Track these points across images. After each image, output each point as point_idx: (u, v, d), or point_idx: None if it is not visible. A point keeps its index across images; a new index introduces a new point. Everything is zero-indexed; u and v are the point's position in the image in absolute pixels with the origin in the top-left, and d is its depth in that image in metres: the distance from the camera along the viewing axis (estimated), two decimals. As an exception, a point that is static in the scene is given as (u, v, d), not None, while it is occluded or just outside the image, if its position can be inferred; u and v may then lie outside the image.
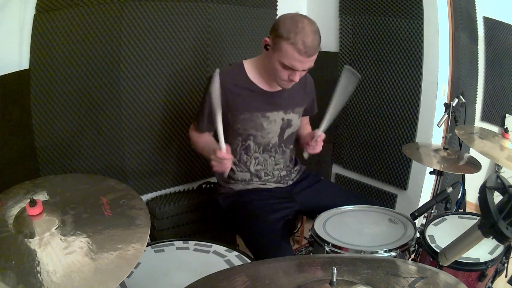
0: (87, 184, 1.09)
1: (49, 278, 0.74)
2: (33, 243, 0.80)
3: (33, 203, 0.83)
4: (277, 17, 1.46)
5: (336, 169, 2.87)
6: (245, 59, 1.63)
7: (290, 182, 1.74)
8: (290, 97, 1.64)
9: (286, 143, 1.70)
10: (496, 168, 2.68)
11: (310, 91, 1.75)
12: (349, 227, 1.46)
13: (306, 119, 1.88)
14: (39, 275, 0.74)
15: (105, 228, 0.87)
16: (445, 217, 1.62)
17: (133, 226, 0.90)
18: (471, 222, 1.50)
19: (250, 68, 1.59)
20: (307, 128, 1.86)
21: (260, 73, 1.58)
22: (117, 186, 1.05)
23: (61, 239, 0.82)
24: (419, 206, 1.55)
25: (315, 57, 1.43)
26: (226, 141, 1.58)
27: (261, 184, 1.68)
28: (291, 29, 1.37)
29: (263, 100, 1.58)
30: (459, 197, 2.12)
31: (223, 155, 1.35)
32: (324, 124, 1.50)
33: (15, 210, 0.88)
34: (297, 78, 1.46)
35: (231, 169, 1.66)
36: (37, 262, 0.77)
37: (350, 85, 1.45)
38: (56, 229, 0.84)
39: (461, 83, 2.57)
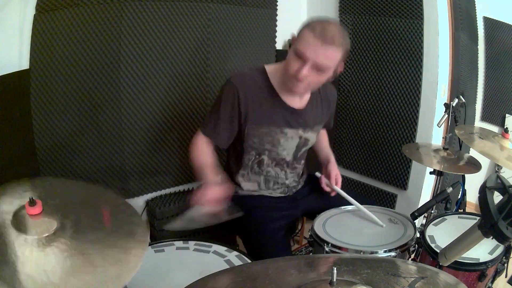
0: (86, 192, 1.08)
1: (48, 278, 0.74)
2: (30, 242, 0.79)
3: (32, 203, 0.82)
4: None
5: (336, 169, 2.87)
6: (266, 63, 1.54)
7: (294, 190, 1.72)
8: (313, 116, 1.57)
9: (299, 159, 1.66)
10: (496, 168, 2.68)
11: (331, 106, 1.70)
12: (349, 227, 1.46)
13: (323, 130, 1.82)
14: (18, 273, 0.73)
15: (104, 239, 0.86)
16: (445, 217, 1.62)
17: (132, 241, 0.88)
18: (471, 222, 1.50)
19: (274, 78, 1.47)
20: (324, 140, 1.83)
21: (283, 82, 1.46)
22: (117, 201, 1.04)
23: (58, 242, 0.81)
24: (419, 206, 1.55)
25: (331, 53, 1.30)
26: (238, 154, 1.55)
27: (267, 193, 1.65)
28: (312, 20, 1.34)
29: (284, 116, 1.49)
30: (459, 197, 2.12)
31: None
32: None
33: (12, 207, 0.86)
34: (304, 71, 1.30)
35: (239, 182, 1.61)
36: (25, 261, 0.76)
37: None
38: (54, 231, 0.83)
39: (461, 83, 2.57)
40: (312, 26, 1.31)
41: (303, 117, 1.54)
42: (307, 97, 1.56)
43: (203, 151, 1.49)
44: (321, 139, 1.81)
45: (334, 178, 1.64)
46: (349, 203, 1.57)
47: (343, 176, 2.78)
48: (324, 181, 1.65)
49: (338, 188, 1.61)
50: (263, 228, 1.50)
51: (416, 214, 1.50)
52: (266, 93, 1.47)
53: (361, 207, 1.53)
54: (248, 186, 1.62)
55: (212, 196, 1.30)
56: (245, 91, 1.42)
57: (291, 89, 1.42)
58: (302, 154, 1.67)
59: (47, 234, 0.82)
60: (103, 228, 0.90)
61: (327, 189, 1.64)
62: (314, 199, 1.70)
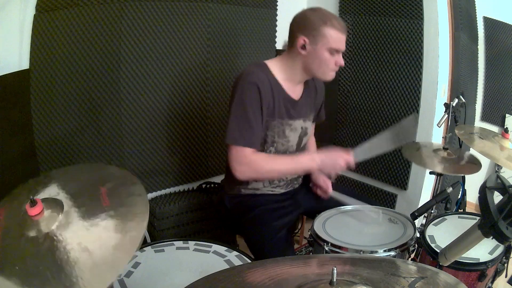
0: (87, 174, 1.07)
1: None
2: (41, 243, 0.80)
3: (33, 203, 0.82)
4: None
5: (336, 169, 2.87)
6: (266, 59, 1.57)
7: (296, 186, 1.73)
8: (307, 104, 1.63)
9: (301, 151, 1.68)
10: (496, 168, 2.68)
11: (319, 96, 1.72)
12: (349, 227, 1.46)
13: (313, 127, 1.84)
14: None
15: (103, 219, 0.86)
16: (445, 217, 1.62)
17: (131, 215, 0.87)
18: (471, 222, 1.50)
19: (276, 72, 1.53)
20: (311, 140, 1.84)
21: (286, 76, 1.54)
22: (117, 173, 1.03)
23: (61, 236, 0.81)
24: (419, 206, 1.55)
25: None
26: None
27: (270, 190, 1.65)
28: (321, 17, 1.44)
29: (287, 107, 1.54)
30: (459, 197, 2.12)
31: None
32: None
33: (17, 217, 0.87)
34: (342, 60, 1.50)
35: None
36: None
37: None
38: (57, 225, 0.83)
39: (461, 83, 2.58)
40: (331, 23, 1.43)
41: (302, 107, 1.60)
42: (302, 87, 1.61)
43: (266, 159, 1.52)
44: (310, 145, 1.83)
45: (324, 185, 1.66)
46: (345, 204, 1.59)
47: (343, 176, 2.82)
48: (318, 190, 1.69)
49: (332, 193, 1.64)
50: (265, 226, 1.50)
51: (416, 214, 1.50)
52: (273, 87, 1.51)
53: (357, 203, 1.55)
54: (254, 183, 1.62)
55: (338, 161, 1.55)
56: (263, 87, 1.45)
57: (327, 80, 1.55)
58: (303, 145, 1.69)
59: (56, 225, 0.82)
60: (102, 210, 0.89)
61: (323, 195, 1.68)
62: (314, 197, 1.72)
